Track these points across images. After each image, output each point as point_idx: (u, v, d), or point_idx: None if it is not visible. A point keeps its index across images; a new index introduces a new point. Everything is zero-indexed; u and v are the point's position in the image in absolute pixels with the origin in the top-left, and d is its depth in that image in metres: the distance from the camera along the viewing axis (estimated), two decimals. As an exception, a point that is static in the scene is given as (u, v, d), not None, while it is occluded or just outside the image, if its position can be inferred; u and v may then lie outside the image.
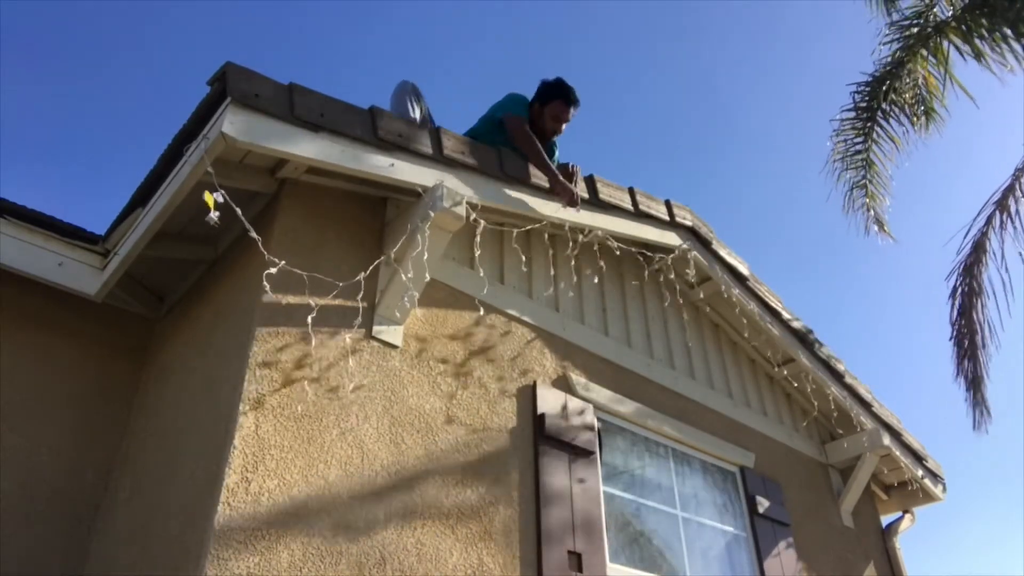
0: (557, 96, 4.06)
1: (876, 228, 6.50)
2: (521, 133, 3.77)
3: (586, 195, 3.96)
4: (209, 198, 2.58)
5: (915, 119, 6.18)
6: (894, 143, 6.27)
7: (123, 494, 3.14)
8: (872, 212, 6.45)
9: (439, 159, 3.25)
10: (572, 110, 4.09)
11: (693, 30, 14.61)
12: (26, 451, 3.17)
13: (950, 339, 6.16)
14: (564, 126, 4.11)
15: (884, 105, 6.12)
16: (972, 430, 6.19)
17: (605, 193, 4.06)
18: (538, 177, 3.71)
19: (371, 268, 3.15)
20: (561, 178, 3.70)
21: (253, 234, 2.73)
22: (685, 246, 4.61)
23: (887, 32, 6.06)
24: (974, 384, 6.11)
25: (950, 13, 5.85)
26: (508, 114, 3.87)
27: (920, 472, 5.66)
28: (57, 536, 3.10)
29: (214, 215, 2.56)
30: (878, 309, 19.07)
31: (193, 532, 2.45)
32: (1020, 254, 5.72)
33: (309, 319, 2.88)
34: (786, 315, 5.16)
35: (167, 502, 2.75)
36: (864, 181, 6.37)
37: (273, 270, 2.73)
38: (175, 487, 2.75)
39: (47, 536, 3.08)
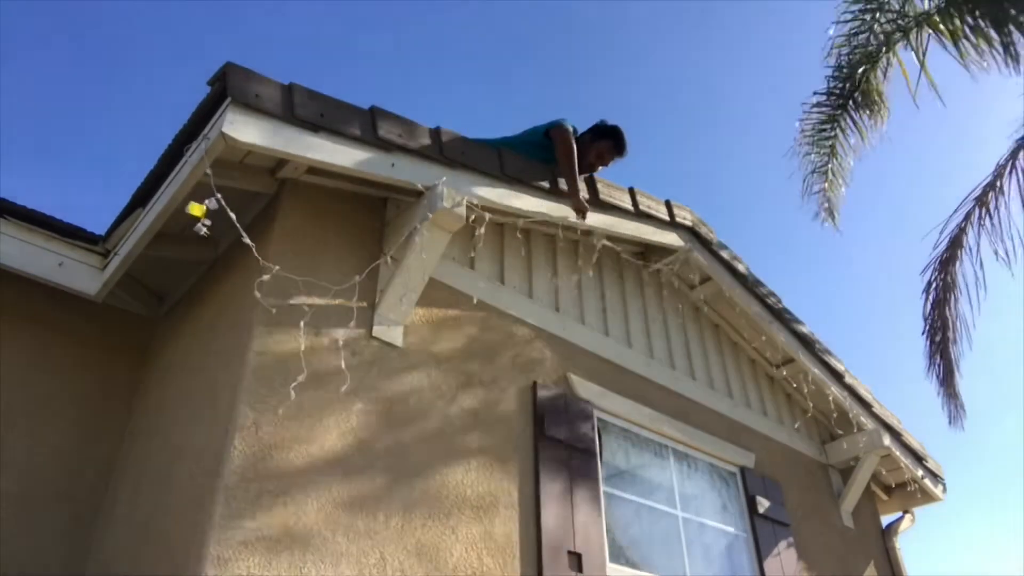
0: (611, 139, 4.07)
1: (825, 216, 6.48)
2: (567, 143, 3.81)
3: (587, 195, 3.96)
4: (195, 208, 2.57)
5: (879, 111, 6.13)
6: (860, 135, 6.23)
7: (123, 494, 3.14)
8: (826, 201, 6.42)
9: (439, 159, 3.25)
10: (617, 158, 4.15)
11: (693, 28, 14.61)
12: (26, 451, 3.17)
13: (923, 333, 6.17)
14: (601, 168, 4.15)
15: (856, 95, 6.08)
16: (948, 425, 6.21)
17: (605, 193, 4.06)
18: (543, 180, 3.71)
19: (370, 268, 3.15)
20: (582, 194, 3.78)
21: (247, 240, 2.71)
22: (685, 246, 4.61)
23: (849, 16, 5.98)
24: (946, 379, 6.11)
25: (931, 4, 5.81)
26: (561, 123, 3.89)
27: (920, 472, 5.66)
28: (57, 536, 3.10)
29: (202, 225, 2.55)
30: (878, 308, 19.07)
31: (193, 532, 2.45)
32: (995, 251, 5.72)
33: (308, 319, 2.88)
34: (786, 315, 5.16)
35: (167, 502, 2.75)
36: (826, 168, 6.34)
37: (266, 277, 2.73)
38: (175, 487, 2.75)
39: (47, 536, 3.08)
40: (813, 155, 6.32)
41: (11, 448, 3.13)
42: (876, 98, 6.08)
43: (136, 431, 3.37)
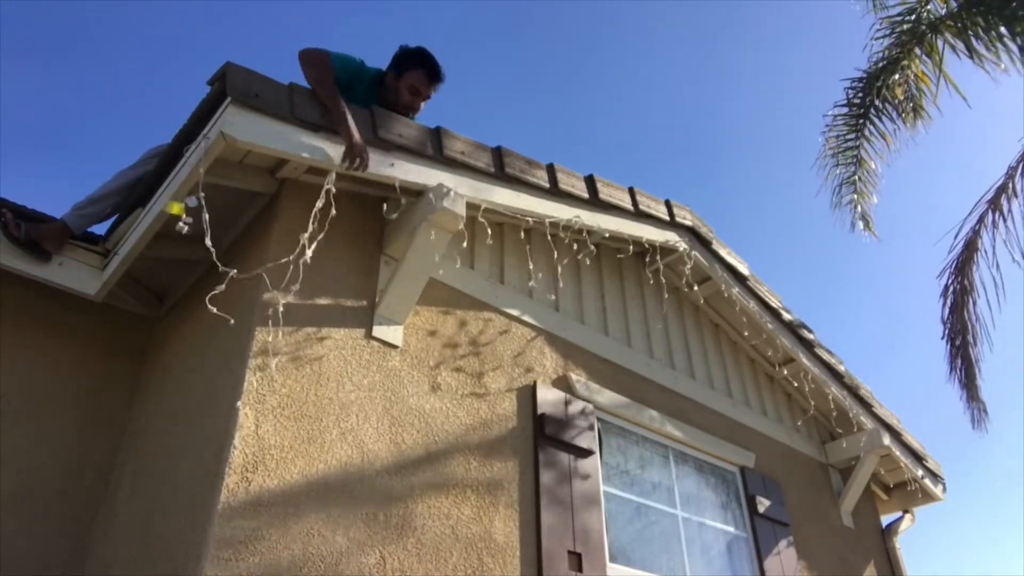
0: (417, 66, 3.45)
1: (861, 225, 6.53)
2: (313, 66, 3.05)
3: (586, 195, 3.96)
4: (174, 207, 2.55)
5: (907, 117, 6.19)
6: (885, 141, 6.28)
7: (123, 494, 3.14)
8: (859, 209, 6.48)
9: (439, 159, 3.25)
10: (434, 85, 3.52)
11: (695, 28, 14.61)
12: (26, 451, 3.17)
13: (942, 338, 6.19)
14: (423, 104, 3.54)
15: (877, 102, 6.13)
16: (972, 428, 6.24)
17: (605, 193, 4.06)
18: (538, 178, 3.71)
19: (371, 269, 3.15)
20: (358, 137, 2.93)
21: (208, 243, 2.61)
22: (685, 246, 4.61)
23: (879, 27, 6.07)
24: (968, 382, 6.13)
25: (944, 11, 5.85)
26: (307, 49, 3.10)
27: (920, 472, 5.67)
28: (57, 536, 3.10)
29: (183, 224, 2.53)
30: (879, 308, 19.07)
31: (193, 532, 2.45)
32: (1011, 253, 5.74)
33: (308, 319, 2.88)
34: (786, 315, 5.16)
35: (167, 502, 2.75)
36: (854, 177, 6.40)
37: (269, 268, 2.72)
38: (175, 487, 2.75)
39: (47, 536, 3.08)
40: (840, 167, 6.36)
41: (11, 448, 3.13)
42: (903, 103, 6.11)
43: (136, 431, 3.37)
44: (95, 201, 3.36)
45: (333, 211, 2.89)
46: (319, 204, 2.83)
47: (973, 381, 6.11)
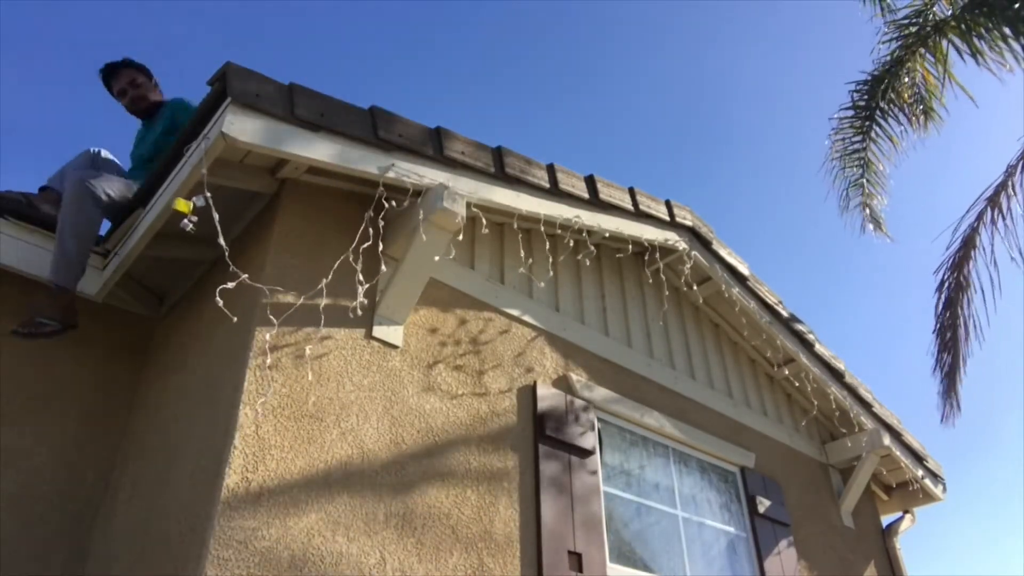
0: (105, 83, 4.13)
1: (872, 227, 6.55)
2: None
3: (586, 195, 3.96)
4: (181, 204, 2.56)
5: (913, 118, 6.21)
6: (892, 142, 6.30)
7: (123, 494, 3.14)
8: (868, 211, 6.51)
9: (439, 159, 3.25)
10: (117, 82, 4.12)
11: (696, 29, 14.61)
12: (26, 451, 3.17)
13: (933, 332, 6.22)
14: (130, 93, 4.12)
15: (883, 104, 6.15)
16: (940, 422, 6.29)
17: (605, 193, 4.06)
18: (538, 178, 3.71)
19: (371, 269, 3.15)
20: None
21: (222, 242, 2.70)
22: (685, 246, 4.61)
23: (886, 31, 6.10)
24: (949, 377, 6.16)
25: (949, 12, 5.86)
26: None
27: (920, 472, 5.67)
28: (57, 536, 3.10)
29: (188, 221, 2.53)
30: (880, 308, 19.07)
31: (193, 532, 2.45)
32: (1009, 251, 5.76)
33: (308, 319, 2.88)
34: (786, 315, 5.16)
35: (167, 502, 2.75)
36: (861, 180, 6.43)
37: (268, 283, 2.72)
38: (175, 487, 2.75)
39: (47, 536, 3.08)
40: (847, 169, 6.39)
41: (11, 448, 3.13)
42: (911, 105, 6.13)
43: (136, 431, 3.37)
44: (64, 254, 3.09)
45: (375, 218, 2.88)
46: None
47: (955, 376, 6.14)
